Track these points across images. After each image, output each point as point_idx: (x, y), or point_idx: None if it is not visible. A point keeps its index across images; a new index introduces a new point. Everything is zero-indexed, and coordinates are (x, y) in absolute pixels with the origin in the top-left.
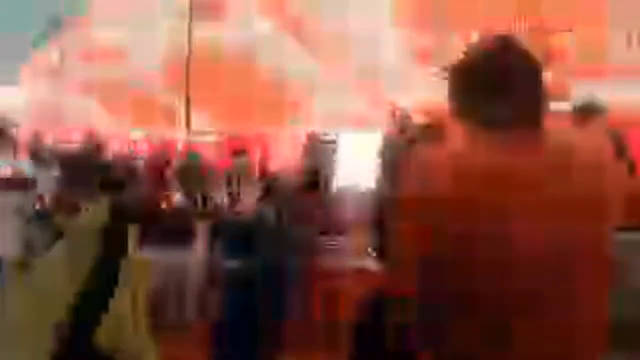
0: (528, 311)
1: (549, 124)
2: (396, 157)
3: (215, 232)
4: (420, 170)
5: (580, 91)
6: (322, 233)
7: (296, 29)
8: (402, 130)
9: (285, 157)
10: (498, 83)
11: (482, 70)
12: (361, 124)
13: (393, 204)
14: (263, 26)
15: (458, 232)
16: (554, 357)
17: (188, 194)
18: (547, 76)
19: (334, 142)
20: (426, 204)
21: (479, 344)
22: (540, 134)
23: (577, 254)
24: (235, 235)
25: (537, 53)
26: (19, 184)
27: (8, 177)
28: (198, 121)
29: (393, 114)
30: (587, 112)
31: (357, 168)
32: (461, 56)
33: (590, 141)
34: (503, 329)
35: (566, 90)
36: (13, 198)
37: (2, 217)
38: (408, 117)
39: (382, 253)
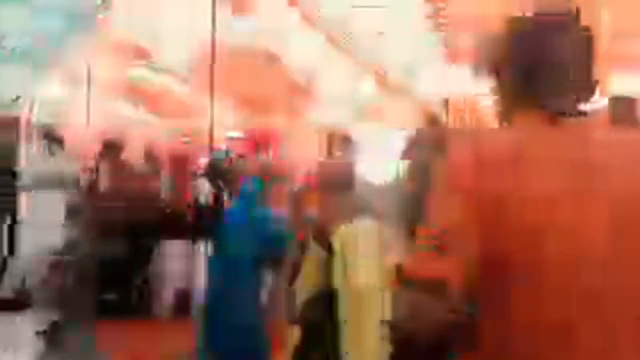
0: (592, 312)
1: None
2: (427, 156)
3: None
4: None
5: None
6: None
7: (323, 24)
8: (432, 129)
9: (308, 152)
10: (565, 65)
11: (546, 49)
12: (384, 118)
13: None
14: (290, 20)
15: (525, 221)
16: (618, 356)
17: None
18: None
19: (355, 137)
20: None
21: (543, 343)
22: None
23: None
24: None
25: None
26: None
27: None
28: (223, 116)
29: (424, 114)
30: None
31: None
32: (512, 27)
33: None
34: (568, 328)
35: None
36: None
37: None
38: (437, 118)
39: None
